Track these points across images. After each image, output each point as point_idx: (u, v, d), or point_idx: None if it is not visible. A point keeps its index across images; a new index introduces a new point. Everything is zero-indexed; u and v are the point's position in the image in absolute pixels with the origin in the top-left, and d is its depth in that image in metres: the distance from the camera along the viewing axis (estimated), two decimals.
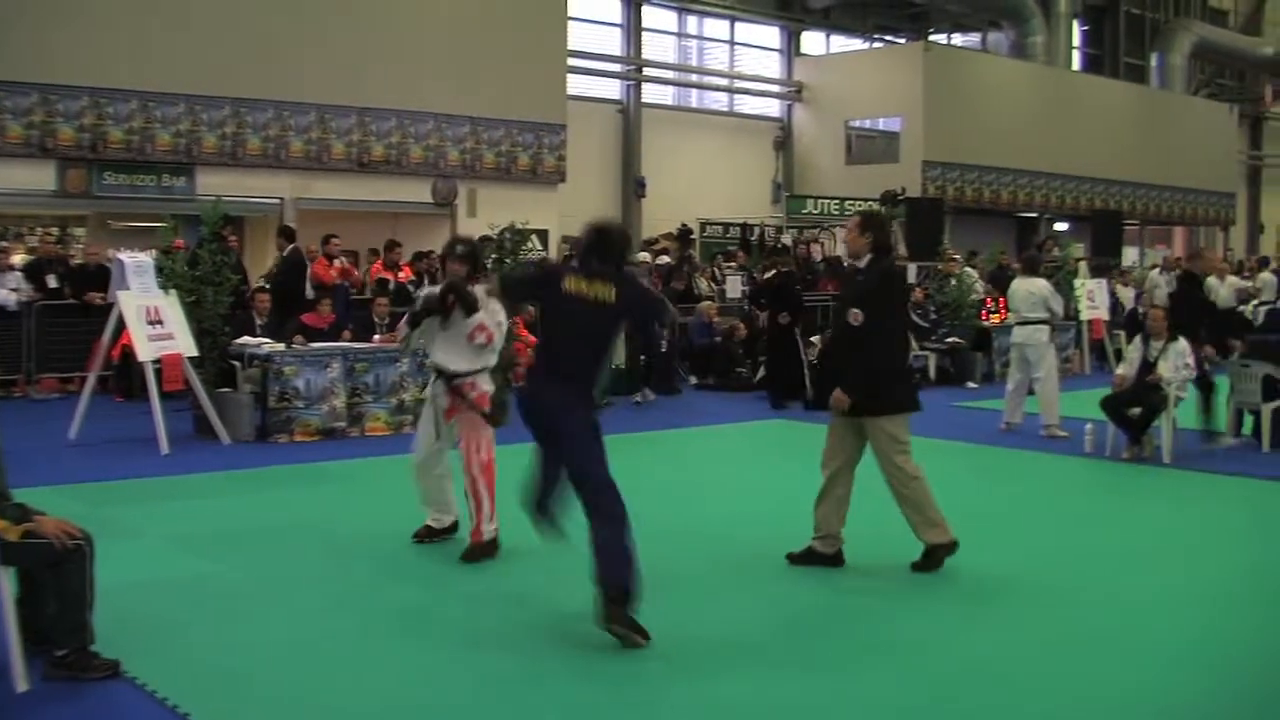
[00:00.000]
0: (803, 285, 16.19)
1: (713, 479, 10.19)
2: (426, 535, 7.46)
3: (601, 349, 5.81)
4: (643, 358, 14.86)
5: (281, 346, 11.79)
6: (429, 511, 7.50)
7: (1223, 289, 20.68)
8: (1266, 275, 21.46)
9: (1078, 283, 19.02)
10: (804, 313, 15.33)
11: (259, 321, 12.91)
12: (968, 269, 19.88)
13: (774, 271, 15.24)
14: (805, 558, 7.11)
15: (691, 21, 28.56)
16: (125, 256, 11.34)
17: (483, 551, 7.10)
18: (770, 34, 29.89)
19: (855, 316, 6.98)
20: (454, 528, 7.49)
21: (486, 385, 7.21)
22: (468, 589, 6.63)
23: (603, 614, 5.51)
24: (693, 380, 14.75)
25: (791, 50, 29.99)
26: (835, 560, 7.10)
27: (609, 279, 5.71)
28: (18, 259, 15.51)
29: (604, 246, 5.80)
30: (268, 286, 14.62)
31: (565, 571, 6.75)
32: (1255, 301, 21.22)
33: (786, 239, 23.71)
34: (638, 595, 5.53)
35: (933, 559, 7.01)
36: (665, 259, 16.21)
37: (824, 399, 7.48)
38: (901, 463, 7.05)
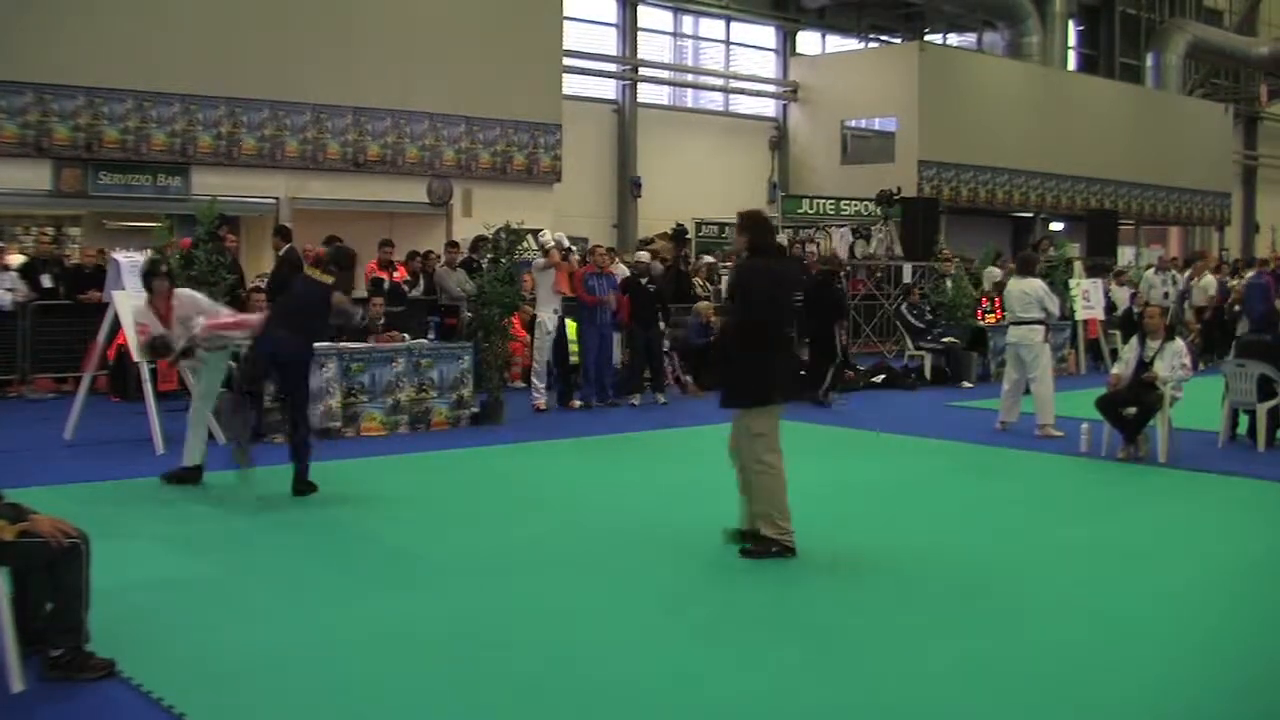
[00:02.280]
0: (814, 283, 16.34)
1: (710, 478, 10.16)
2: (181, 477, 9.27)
3: (321, 311, 9.04)
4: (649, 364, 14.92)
5: None
6: (196, 457, 9.31)
7: (1196, 286, 20.91)
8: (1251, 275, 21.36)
9: (1073, 282, 19.06)
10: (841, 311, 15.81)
11: None
12: (992, 268, 20.00)
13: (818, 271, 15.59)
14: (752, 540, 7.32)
15: (687, 21, 28.57)
16: (121, 256, 11.32)
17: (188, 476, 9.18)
18: (765, 34, 29.92)
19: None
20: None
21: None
22: (463, 589, 6.63)
23: (302, 488, 8.72)
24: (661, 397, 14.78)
25: (787, 50, 30.02)
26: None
27: (330, 272, 9.03)
28: (14, 259, 15.47)
29: (337, 255, 9.37)
30: (263, 287, 14.60)
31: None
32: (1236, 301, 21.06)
33: (782, 239, 23.73)
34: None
35: (759, 546, 7.14)
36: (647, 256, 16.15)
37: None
38: (760, 453, 7.18)
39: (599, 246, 15.48)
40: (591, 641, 5.74)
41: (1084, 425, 11.31)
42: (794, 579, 6.88)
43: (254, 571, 6.90)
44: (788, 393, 7.30)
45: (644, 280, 14.80)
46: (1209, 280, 21.15)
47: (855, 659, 5.57)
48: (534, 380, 13.98)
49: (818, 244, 23.15)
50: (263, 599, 6.35)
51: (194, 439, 9.29)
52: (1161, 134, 33.94)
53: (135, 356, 10.94)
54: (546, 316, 13.84)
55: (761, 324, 7.20)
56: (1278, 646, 5.97)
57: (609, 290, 14.24)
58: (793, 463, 11.10)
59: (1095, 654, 5.62)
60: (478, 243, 16.69)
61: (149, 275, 9.73)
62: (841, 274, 16.59)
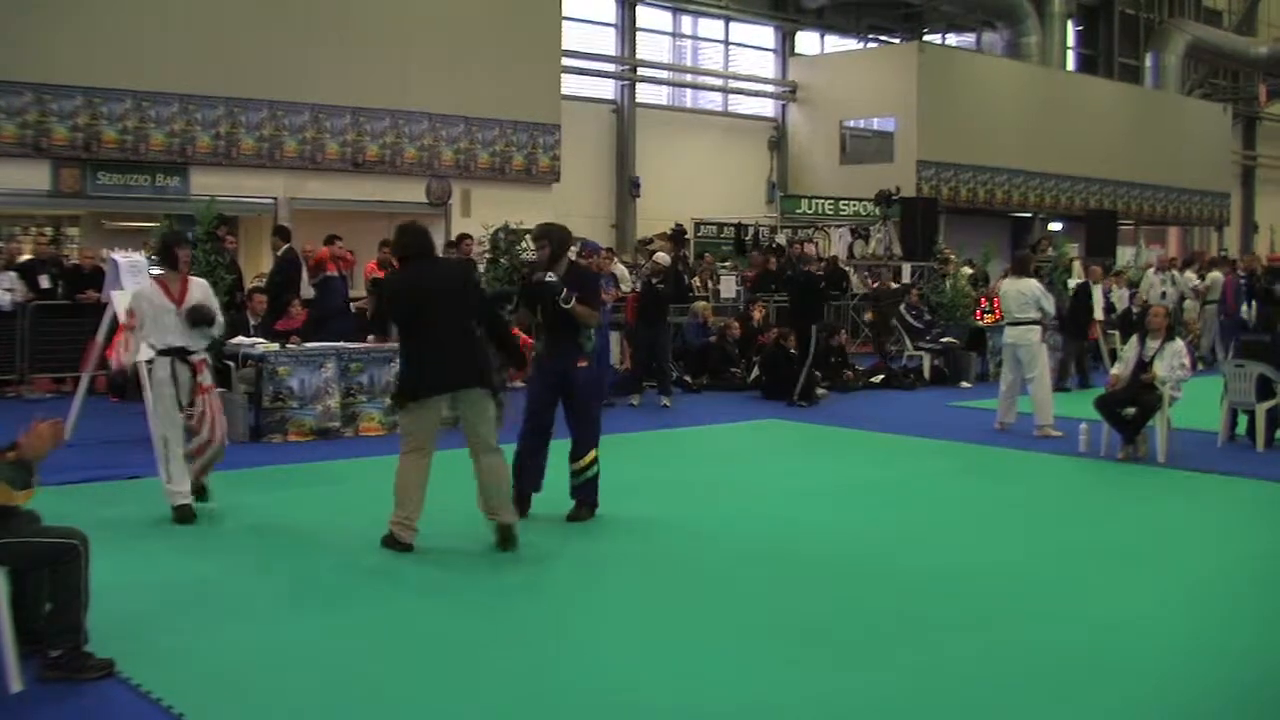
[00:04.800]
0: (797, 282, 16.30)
1: (711, 478, 10.17)
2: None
3: None
4: (654, 364, 14.84)
5: (276, 346, 11.77)
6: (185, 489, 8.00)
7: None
8: (1216, 274, 21.48)
9: (1071, 282, 19.04)
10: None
11: (253, 321, 12.90)
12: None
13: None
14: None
15: (686, 21, 28.57)
16: (120, 256, 11.31)
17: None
18: (765, 34, 29.91)
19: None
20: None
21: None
22: (464, 591, 6.63)
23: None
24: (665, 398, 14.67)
25: (786, 50, 30.02)
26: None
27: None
28: (22, 257, 15.49)
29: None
30: (262, 287, 14.60)
31: (551, 567, 6.80)
32: (1203, 300, 21.13)
33: (781, 238, 23.75)
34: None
35: (388, 540, 7.24)
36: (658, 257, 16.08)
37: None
38: (400, 446, 7.43)
39: None
40: (591, 646, 5.74)
41: (1083, 425, 11.31)
42: (793, 578, 6.88)
43: (253, 572, 6.89)
44: (435, 389, 7.25)
45: (655, 280, 14.84)
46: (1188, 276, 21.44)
47: (854, 659, 5.57)
48: None
49: (816, 244, 23.16)
50: (262, 600, 6.35)
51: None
52: (1160, 134, 33.94)
53: (135, 357, 10.85)
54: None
55: (401, 325, 7.48)
56: (1278, 647, 5.97)
57: (607, 288, 14.23)
58: (792, 462, 11.15)
59: (1094, 654, 5.62)
60: (461, 239, 16.66)
61: (177, 243, 8.26)
62: (820, 272, 16.50)
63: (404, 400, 7.40)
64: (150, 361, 8.01)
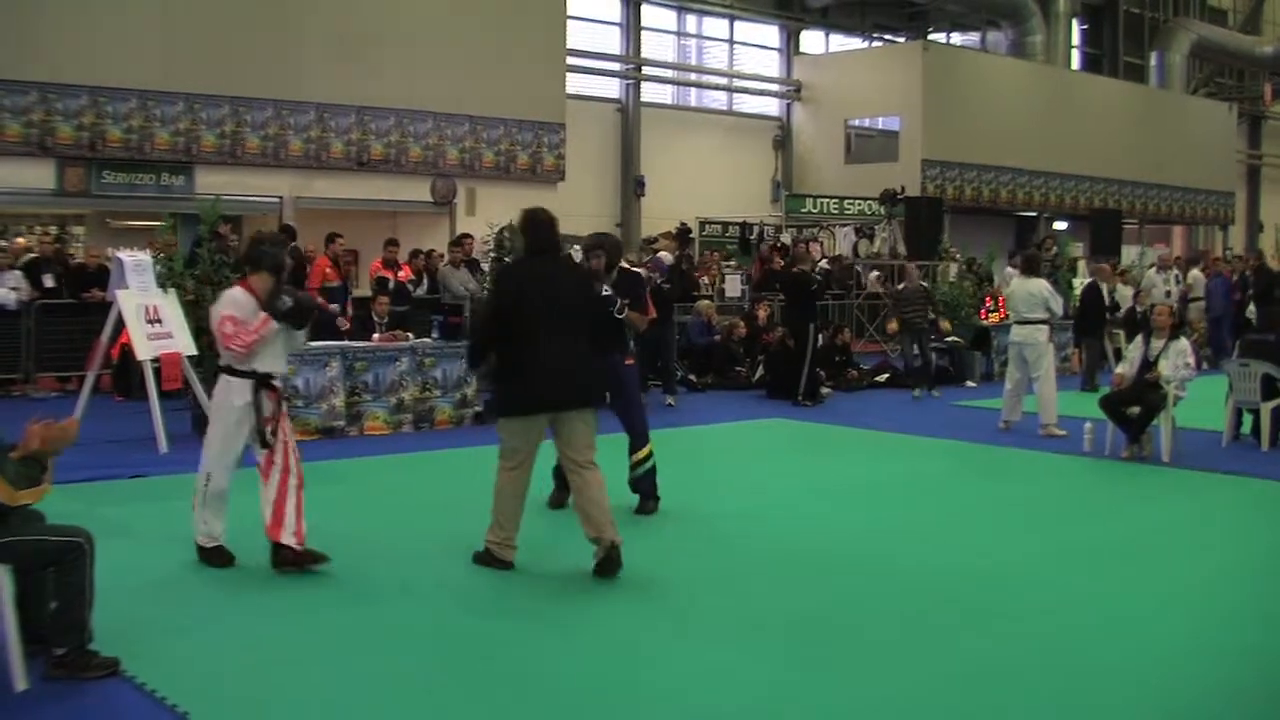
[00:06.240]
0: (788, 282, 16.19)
1: (715, 477, 10.18)
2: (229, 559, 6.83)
3: None
4: (659, 363, 14.81)
5: None
6: (220, 530, 6.86)
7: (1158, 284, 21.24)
8: (1195, 273, 21.48)
9: (1076, 281, 19.04)
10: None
11: None
12: (1010, 268, 19.97)
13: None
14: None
15: (691, 20, 28.57)
16: (124, 255, 11.33)
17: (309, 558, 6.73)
18: (769, 33, 29.91)
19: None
20: None
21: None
22: (462, 590, 6.63)
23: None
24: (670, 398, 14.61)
25: (791, 49, 30.02)
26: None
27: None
28: (27, 256, 15.53)
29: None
30: None
31: (551, 572, 6.80)
32: (1189, 299, 21.17)
33: (786, 238, 23.74)
34: None
35: (481, 555, 6.90)
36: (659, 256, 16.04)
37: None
38: (499, 464, 6.91)
39: None
40: (591, 644, 5.75)
41: (1087, 425, 11.30)
42: (795, 578, 6.87)
43: (257, 571, 6.88)
44: (535, 407, 6.69)
45: (659, 279, 14.84)
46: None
47: (857, 659, 5.57)
48: None
49: (821, 243, 23.14)
50: (267, 599, 6.34)
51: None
52: (1165, 133, 33.91)
53: (139, 355, 10.94)
54: None
55: (503, 329, 6.65)
56: None
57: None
58: (796, 461, 11.15)
59: (1098, 653, 5.61)
60: (463, 239, 16.66)
61: (280, 248, 7.27)
62: (814, 272, 16.30)
63: (501, 415, 6.88)
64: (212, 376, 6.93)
